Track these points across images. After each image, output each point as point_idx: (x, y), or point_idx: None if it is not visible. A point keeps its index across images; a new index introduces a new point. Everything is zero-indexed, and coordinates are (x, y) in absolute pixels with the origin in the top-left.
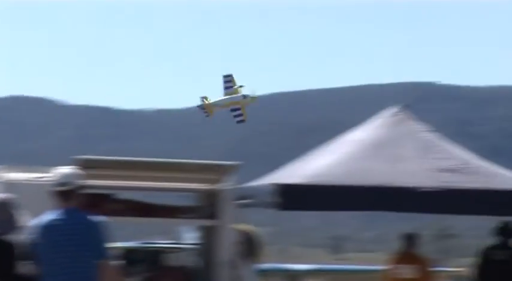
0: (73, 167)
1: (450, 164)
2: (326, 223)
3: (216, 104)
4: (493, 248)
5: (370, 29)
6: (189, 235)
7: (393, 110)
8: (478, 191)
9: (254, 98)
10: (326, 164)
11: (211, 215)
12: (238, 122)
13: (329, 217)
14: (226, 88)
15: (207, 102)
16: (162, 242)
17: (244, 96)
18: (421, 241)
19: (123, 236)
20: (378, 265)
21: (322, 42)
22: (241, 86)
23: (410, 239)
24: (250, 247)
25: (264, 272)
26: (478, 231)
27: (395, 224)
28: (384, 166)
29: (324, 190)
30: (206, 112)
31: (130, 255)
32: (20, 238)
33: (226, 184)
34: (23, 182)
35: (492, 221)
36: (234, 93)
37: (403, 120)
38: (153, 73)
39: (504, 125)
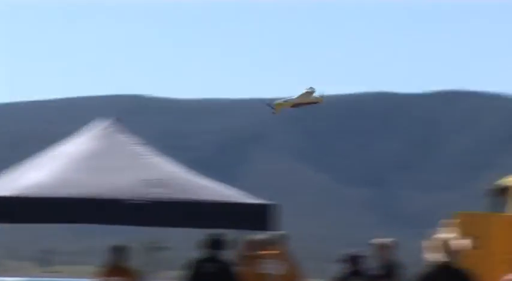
0: None
1: (158, 176)
2: (34, 235)
3: (284, 103)
4: (203, 260)
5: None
6: None
7: (104, 122)
8: (185, 203)
9: (320, 99)
10: (35, 177)
11: None
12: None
13: (37, 230)
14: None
15: (278, 102)
16: None
17: (310, 94)
18: (130, 253)
19: None
20: (87, 277)
21: (62, 53)
22: (311, 88)
23: (119, 251)
24: None
25: None
26: (189, 243)
27: (104, 237)
28: (92, 178)
29: (32, 202)
30: (274, 110)
31: None
32: None
33: None
34: None
35: (203, 234)
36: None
37: (113, 133)
38: None
39: (215, 138)
